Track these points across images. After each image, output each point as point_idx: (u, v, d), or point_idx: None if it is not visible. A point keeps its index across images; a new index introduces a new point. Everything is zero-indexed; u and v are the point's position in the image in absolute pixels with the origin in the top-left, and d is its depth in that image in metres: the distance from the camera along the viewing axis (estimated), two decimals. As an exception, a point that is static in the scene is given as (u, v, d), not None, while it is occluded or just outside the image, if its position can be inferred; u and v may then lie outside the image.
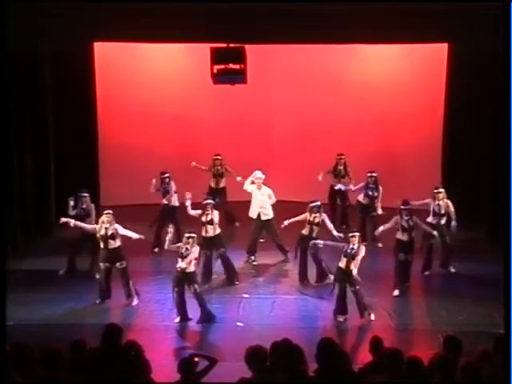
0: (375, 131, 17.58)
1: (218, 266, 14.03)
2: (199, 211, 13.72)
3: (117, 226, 12.86)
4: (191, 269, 12.18)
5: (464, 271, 14.11)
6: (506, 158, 11.64)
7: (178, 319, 12.22)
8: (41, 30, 12.72)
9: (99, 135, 17.52)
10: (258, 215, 14.80)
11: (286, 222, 13.82)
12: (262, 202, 14.76)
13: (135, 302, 12.88)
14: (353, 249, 12.17)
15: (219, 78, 12.91)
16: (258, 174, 14.94)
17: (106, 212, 12.96)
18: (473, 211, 15.95)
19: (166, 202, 15.37)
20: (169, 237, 12.52)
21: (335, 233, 13.44)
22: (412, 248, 13.34)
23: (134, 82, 17.64)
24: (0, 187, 13.63)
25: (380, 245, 15.12)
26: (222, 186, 16.48)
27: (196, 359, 7.46)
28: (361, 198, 15.67)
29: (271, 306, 12.85)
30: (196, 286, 12.22)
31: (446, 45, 15.97)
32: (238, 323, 12.19)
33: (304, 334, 11.10)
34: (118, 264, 12.83)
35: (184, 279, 12.17)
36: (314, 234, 13.56)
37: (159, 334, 11.83)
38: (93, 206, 14.17)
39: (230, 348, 11.09)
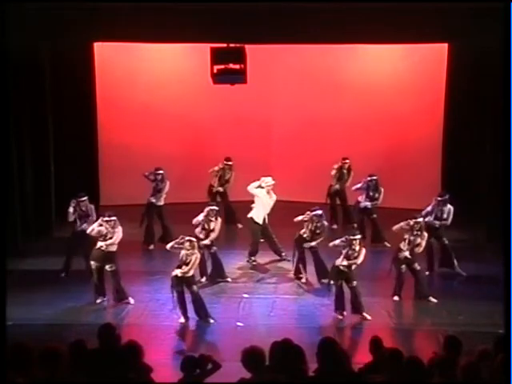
0: (375, 131, 17.59)
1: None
2: (201, 218, 13.55)
3: (119, 231, 12.77)
4: (190, 273, 12.16)
5: (464, 271, 14.09)
6: (506, 157, 11.62)
7: (182, 319, 12.16)
8: (41, 29, 12.71)
9: (99, 135, 17.52)
10: (263, 220, 14.71)
11: (295, 220, 13.73)
12: (269, 208, 14.68)
13: (132, 300, 12.85)
14: (354, 251, 12.22)
15: (219, 77, 12.91)
16: (270, 180, 14.68)
17: (106, 219, 12.69)
18: (473, 211, 15.94)
19: (153, 201, 15.30)
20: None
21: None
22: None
23: (134, 82, 17.65)
24: (0, 187, 13.62)
25: (388, 244, 15.12)
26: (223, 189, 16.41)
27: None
28: (361, 199, 15.62)
29: (271, 306, 12.83)
30: (195, 287, 12.19)
31: (445, 45, 15.98)
32: (238, 323, 12.18)
33: (304, 333, 11.09)
34: (107, 266, 12.72)
35: (182, 281, 12.12)
36: (314, 243, 13.56)
37: (159, 334, 11.80)
38: (92, 206, 13.97)
39: (230, 348, 11.08)
